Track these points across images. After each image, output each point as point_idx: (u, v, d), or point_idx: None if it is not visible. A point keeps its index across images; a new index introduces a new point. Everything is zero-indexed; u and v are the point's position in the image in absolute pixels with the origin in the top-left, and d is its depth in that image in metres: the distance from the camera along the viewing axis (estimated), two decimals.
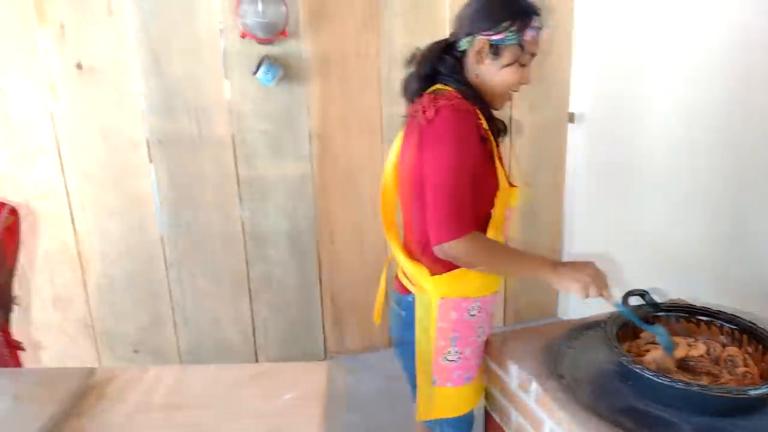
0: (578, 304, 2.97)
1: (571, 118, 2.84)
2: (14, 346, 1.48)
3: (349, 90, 2.46)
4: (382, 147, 2.56)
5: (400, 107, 2.49)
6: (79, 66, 2.15)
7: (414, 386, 1.36)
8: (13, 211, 1.45)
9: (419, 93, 1.27)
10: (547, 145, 2.87)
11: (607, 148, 2.65)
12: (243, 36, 2.24)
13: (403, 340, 1.36)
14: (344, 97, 2.46)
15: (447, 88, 1.24)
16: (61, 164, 2.23)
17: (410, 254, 1.32)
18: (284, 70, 2.30)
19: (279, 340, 2.68)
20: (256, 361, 2.67)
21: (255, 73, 2.26)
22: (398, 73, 2.49)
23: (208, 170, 2.38)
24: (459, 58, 1.26)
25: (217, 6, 2.22)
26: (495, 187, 1.22)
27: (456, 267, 1.23)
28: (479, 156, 1.18)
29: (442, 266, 1.24)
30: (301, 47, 2.35)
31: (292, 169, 2.48)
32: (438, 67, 1.27)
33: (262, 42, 2.27)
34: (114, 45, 2.16)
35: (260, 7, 2.20)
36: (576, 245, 2.95)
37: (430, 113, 1.15)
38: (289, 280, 2.62)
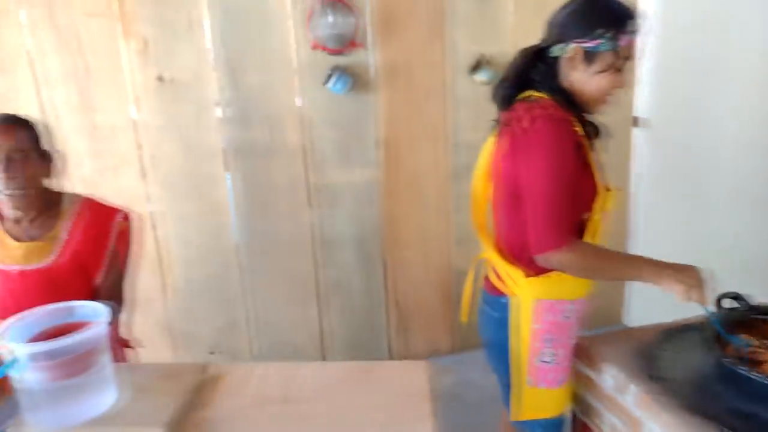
0: (644, 312, 2.93)
1: (636, 122, 2.81)
2: (123, 344, 1.57)
3: (415, 98, 2.51)
4: (447, 153, 2.60)
5: (464, 113, 2.57)
6: (160, 79, 2.26)
7: (505, 387, 1.39)
8: (127, 217, 1.54)
9: (510, 99, 1.29)
10: (612, 149, 2.84)
11: (674, 152, 2.62)
12: (314, 47, 2.32)
13: (494, 341, 1.39)
14: (410, 104, 2.51)
15: (539, 94, 1.26)
16: (143, 173, 2.34)
17: (504, 256, 1.35)
18: (353, 80, 2.37)
19: (345, 344, 2.73)
20: None
21: (326, 83, 2.33)
22: (463, 81, 2.56)
23: (279, 178, 2.46)
24: (551, 64, 1.28)
25: (290, 19, 2.30)
26: (593, 191, 1.23)
27: (551, 269, 1.25)
28: (576, 163, 1.19)
29: (537, 268, 1.26)
30: (369, 57, 2.41)
31: (360, 175, 2.54)
32: (530, 73, 1.29)
33: (333, 53, 2.34)
34: (193, 59, 2.26)
35: (331, 19, 2.27)
36: (641, 252, 2.91)
37: (526, 122, 1.17)
38: (355, 284, 2.67)
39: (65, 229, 1.45)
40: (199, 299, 2.53)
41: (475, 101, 2.56)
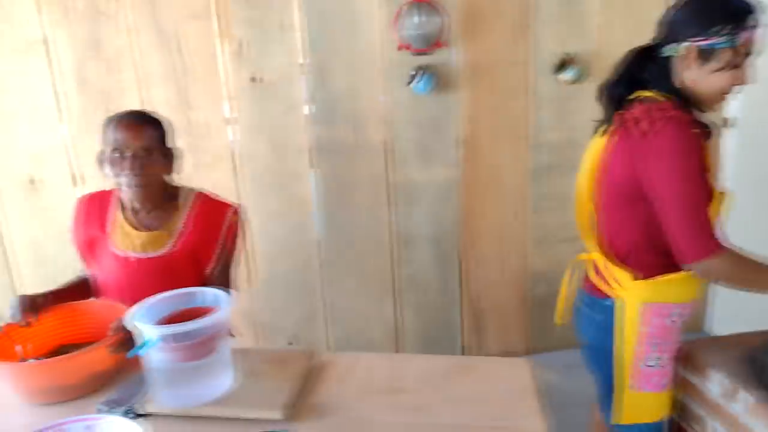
0: (728, 319, 2.81)
1: (726, 122, 2.70)
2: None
3: (498, 97, 2.50)
4: (528, 153, 2.58)
5: (546, 113, 2.55)
6: (253, 79, 2.35)
7: (604, 389, 1.37)
8: (236, 212, 1.62)
9: (621, 100, 1.28)
10: None
11: (765, 153, 2.51)
12: (400, 48, 2.35)
13: (596, 344, 1.38)
14: (493, 104, 2.51)
15: (652, 94, 1.24)
16: (235, 169, 2.44)
17: (610, 258, 1.33)
18: (437, 80, 2.39)
19: (420, 340, 2.76)
20: None
21: (410, 83, 2.36)
22: (546, 80, 2.54)
23: (361, 175, 2.51)
24: (664, 63, 1.25)
25: (377, 20, 2.34)
26: (710, 195, 1.20)
27: (660, 272, 1.23)
28: (703, 166, 1.17)
29: (646, 271, 1.25)
30: (453, 57, 2.42)
31: (439, 174, 2.55)
32: (641, 73, 1.27)
33: (417, 53, 2.37)
34: (285, 60, 2.34)
35: (417, 19, 2.30)
36: None
37: (645, 124, 1.15)
38: (431, 282, 2.70)
39: (181, 220, 1.54)
40: (280, 291, 2.62)
41: (558, 101, 2.53)
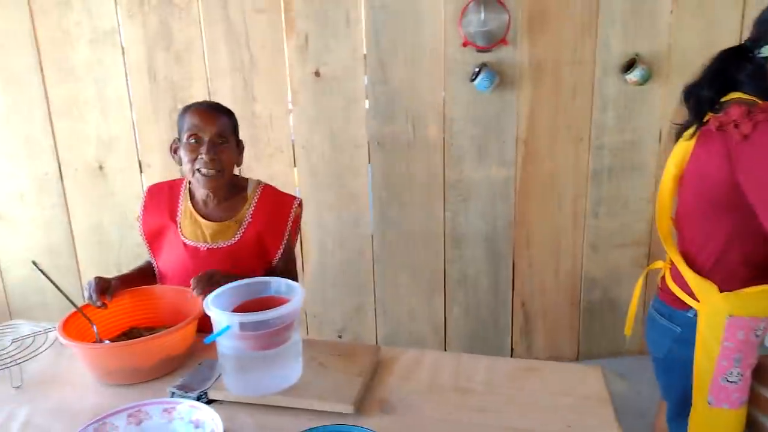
0: None
1: None
2: None
3: (560, 96, 2.46)
4: (588, 155, 2.52)
5: (610, 114, 2.49)
6: (317, 73, 2.37)
7: (677, 403, 1.33)
8: (300, 204, 1.65)
9: (712, 103, 1.23)
10: None
11: None
12: (464, 45, 2.33)
13: (672, 356, 1.33)
14: (554, 103, 2.46)
15: (746, 96, 1.19)
16: (294, 161, 2.47)
17: (695, 268, 1.28)
18: (499, 77, 2.36)
19: (467, 339, 2.75)
20: None
21: (473, 80, 2.34)
22: (612, 80, 2.48)
23: (418, 171, 2.51)
24: (761, 64, 1.19)
25: (441, 17, 2.32)
26: None
27: (748, 284, 1.18)
28: None
29: (733, 283, 1.20)
30: (516, 54, 2.39)
31: (496, 172, 2.53)
32: (734, 74, 1.22)
33: (481, 50, 2.35)
34: (348, 54, 2.35)
35: (483, 16, 2.27)
36: None
37: (746, 128, 1.10)
38: (482, 281, 2.67)
39: (248, 212, 1.57)
40: (331, 284, 2.64)
41: (623, 102, 2.47)
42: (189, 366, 1.32)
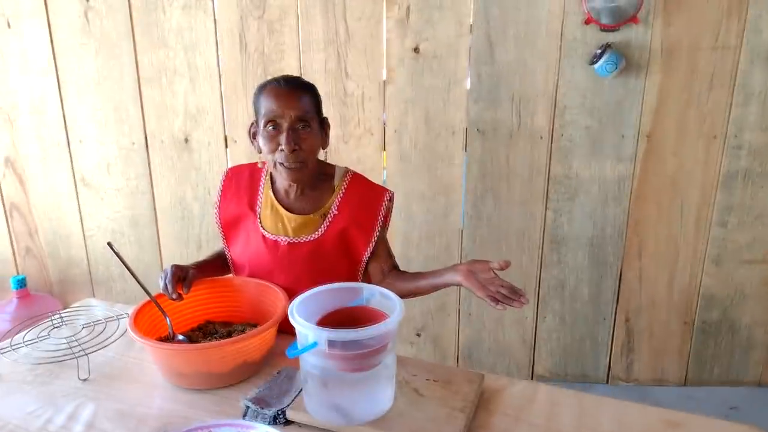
0: None
1: None
2: None
3: (695, 86, 2.11)
4: (721, 155, 2.17)
5: (754, 109, 2.12)
6: (416, 50, 2.16)
7: None
8: (392, 198, 1.46)
9: None
10: None
11: None
12: (587, 22, 2.04)
13: None
14: (687, 93, 2.13)
15: None
16: (384, 145, 2.28)
17: None
18: (625, 61, 2.05)
19: (559, 353, 2.49)
20: (531, 370, 2.51)
21: (594, 62, 2.05)
22: (760, 70, 2.10)
23: (519, 164, 2.26)
24: None
25: None
26: None
27: None
28: None
29: None
30: (647, 35, 2.07)
31: (610, 170, 2.23)
32: None
33: (606, 28, 2.05)
34: (452, 30, 2.12)
35: None
36: None
37: None
38: (582, 291, 2.40)
39: (335, 203, 1.39)
40: None
41: None
42: (266, 373, 1.17)
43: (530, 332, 2.47)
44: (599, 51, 2.04)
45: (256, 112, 1.36)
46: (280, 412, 1.02)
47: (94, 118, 2.42)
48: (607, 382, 2.52)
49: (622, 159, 2.22)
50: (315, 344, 0.92)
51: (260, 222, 1.41)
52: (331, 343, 0.93)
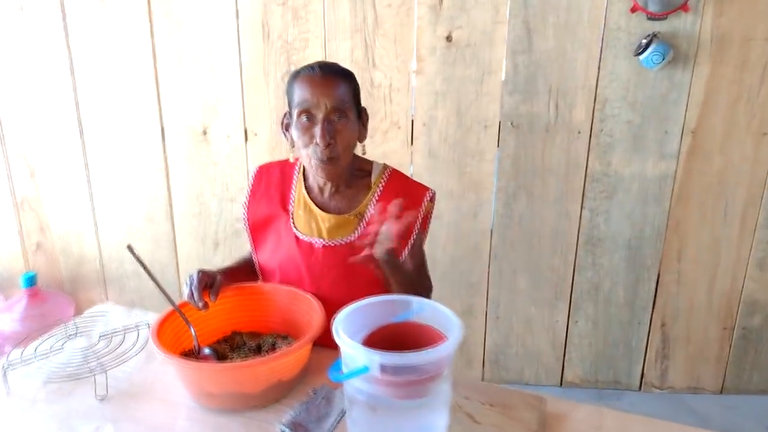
0: None
1: None
2: None
3: (747, 79, 1.98)
4: None
5: None
6: (449, 38, 2.03)
7: None
8: (433, 198, 1.34)
9: None
10: None
11: None
12: (633, 9, 1.91)
13: None
14: (738, 87, 1.99)
15: None
16: (411, 139, 2.17)
17: None
18: (673, 52, 1.92)
19: (591, 359, 2.37)
20: (561, 376, 2.40)
21: (640, 53, 1.92)
22: None
23: (555, 160, 2.13)
24: None
25: None
26: None
27: None
28: None
29: None
30: (696, 24, 1.93)
31: (652, 168, 2.10)
32: None
33: (654, 17, 1.91)
34: (488, 16, 1.99)
35: None
36: None
37: None
38: (617, 294, 2.28)
39: (372, 202, 1.28)
40: (439, 279, 2.31)
41: None
42: (299, 392, 1.06)
43: (561, 337, 2.36)
44: (645, 41, 1.91)
45: (289, 102, 1.25)
46: None
47: (109, 107, 2.31)
48: (640, 389, 2.41)
49: (665, 156, 2.09)
50: (366, 369, 0.81)
51: (293, 222, 1.30)
52: (384, 368, 0.81)
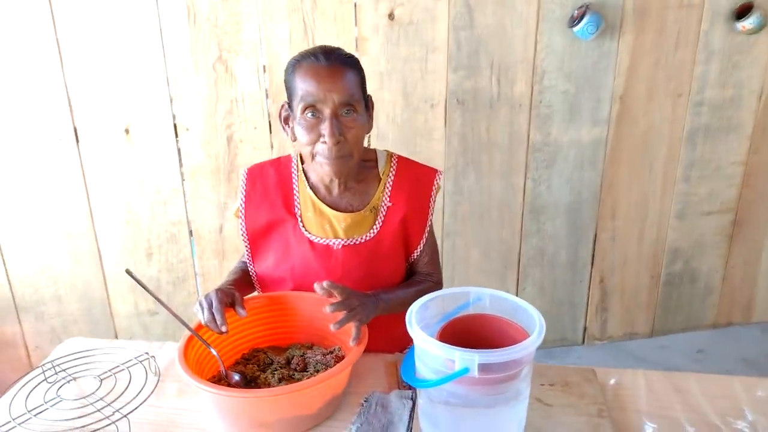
0: None
1: None
2: None
3: (663, 45, 2.14)
4: (685, 112, 2.23)
5: (714, 66, 2.19)
6: (390, 16, 1.97)
7: None
8: (440, 177, 1.29)
9: None
10: None
11: None
12: None
13: None
14: (655, 53, 2.15)
15: None
16: None
17: None
18: (604, 22, 2.01)
19: None
20: None
21: (573, 25, 1.99)
22: (720, 28, 2.17)
23: (500, 134, 2.17)
24: None
25: None
26: None
27: None
28: None
29: None
30: None
31: (587, 134, 2.22)
32: None
33: None
34: None
35: None
36: None
37: None
38: (560, 257, 2.40)
39: (386, 194, 1.21)
40: None
41: (728, 53, 2.17)
42: (349, 404, 0.98)
43: None
44: (578, 12, 1.99)
45: (289, 94, 1.12)
46: None
47: (7, 109, 1.95)
48: (583, 342, 2.57)
49: (598, 122, 2.21)
50: (466, 370, 0.76)
51: (303, 226, 1.19)
52: (483, 368, 0.77)
